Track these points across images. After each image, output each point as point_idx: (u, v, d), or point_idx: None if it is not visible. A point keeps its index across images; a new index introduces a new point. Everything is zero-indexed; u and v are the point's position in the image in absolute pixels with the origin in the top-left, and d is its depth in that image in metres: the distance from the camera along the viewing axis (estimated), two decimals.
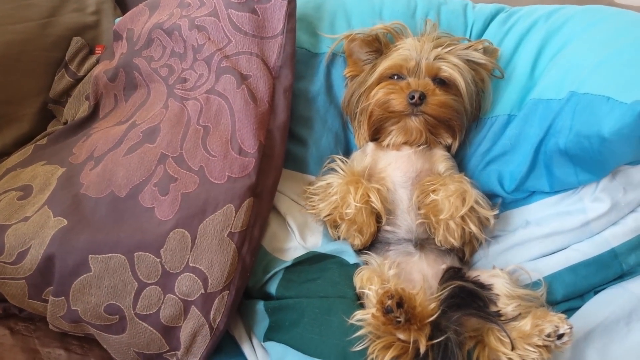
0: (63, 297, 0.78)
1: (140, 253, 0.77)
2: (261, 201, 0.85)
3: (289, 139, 0.95)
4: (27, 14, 1.16)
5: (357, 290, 0.80)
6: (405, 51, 0.92)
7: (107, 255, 0.77)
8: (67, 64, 1.21)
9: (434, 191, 0.85)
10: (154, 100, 0.95)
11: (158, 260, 0.77)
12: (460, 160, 0.99)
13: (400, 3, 1.06)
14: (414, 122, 0.91)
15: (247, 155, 0.85)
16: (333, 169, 0.95)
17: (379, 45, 0.97)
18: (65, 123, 1.14)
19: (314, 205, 0.91)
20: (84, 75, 1.20)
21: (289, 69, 0.93)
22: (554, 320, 0.70)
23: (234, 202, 0.80)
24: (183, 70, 0.95)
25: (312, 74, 1.02)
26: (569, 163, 0.84)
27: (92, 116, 1.07)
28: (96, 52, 1.25)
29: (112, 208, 0.82)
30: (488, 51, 0.97)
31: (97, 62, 1.19)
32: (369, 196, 0.86)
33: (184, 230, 0.78)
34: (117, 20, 1.13)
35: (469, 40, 0.99)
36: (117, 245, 0.78)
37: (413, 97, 0.88)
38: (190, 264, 0.77)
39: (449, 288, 0.77)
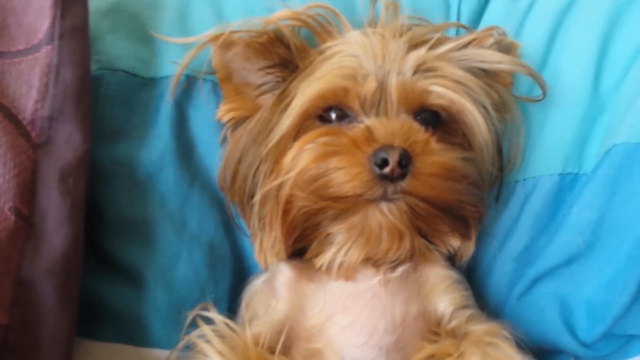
0: None
1: None
2: None
3: (106, 274, 0.43)
4: None
5: None
6: (349, 58, 0.42)
7: None
8: None
9: None
10: None
11: None
12: (468, 273, 0.49)
13: None
14: (387, 215, 0.39)
15: None
16: (203, 338, 0.40)
17: (285, 53, 0.45)
18: None
19: None
20: None
21: (77, 120, 0.40)
22: None
23: None
24: None
25: (144, 123, 0.48)
26: None
27: None
28: None
29: None
30: (502, 48, 0.48)
31: None
32: None
33: None
34: None
35: (468, 30, 0.49)
36: None
37: (386, 163, 0.36)
38: None
39: None
